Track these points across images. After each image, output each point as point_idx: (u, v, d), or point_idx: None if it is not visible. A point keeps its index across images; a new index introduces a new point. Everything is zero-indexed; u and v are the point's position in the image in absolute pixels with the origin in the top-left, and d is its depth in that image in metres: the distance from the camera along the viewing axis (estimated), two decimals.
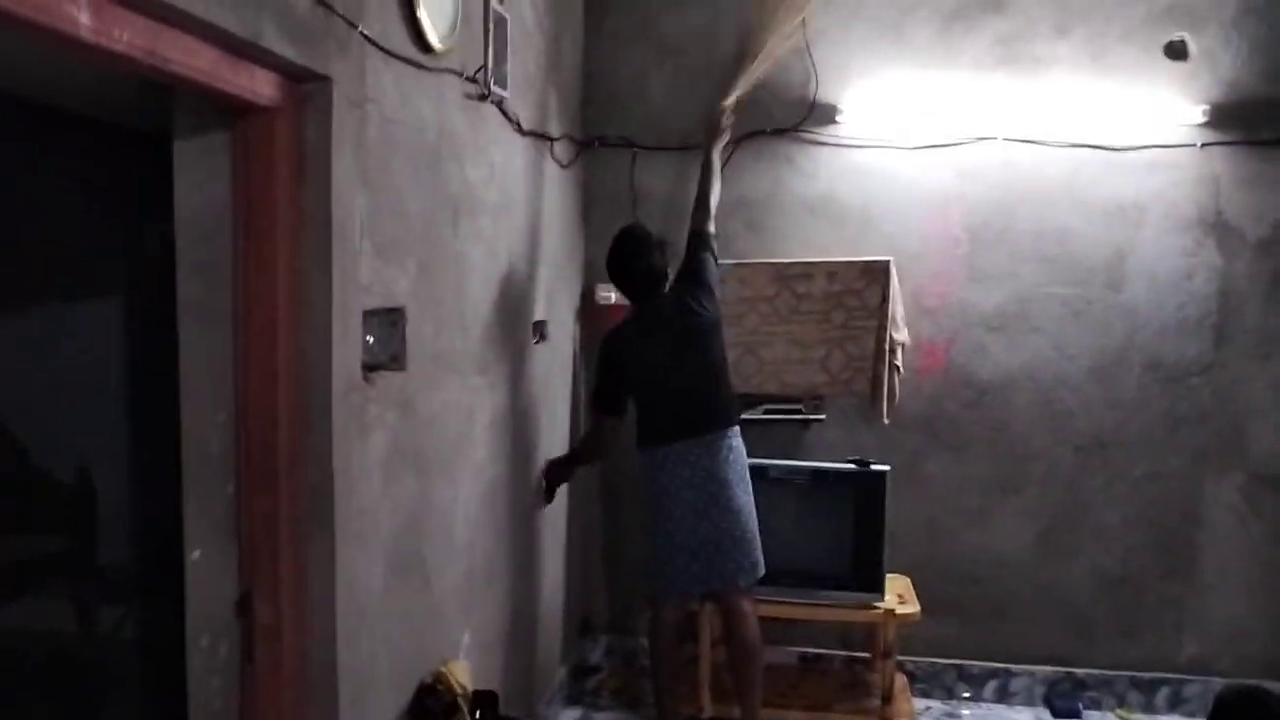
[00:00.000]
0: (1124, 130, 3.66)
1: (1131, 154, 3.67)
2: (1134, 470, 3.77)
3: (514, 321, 3.06)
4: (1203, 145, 3.63)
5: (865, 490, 3.52)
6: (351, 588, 1.92)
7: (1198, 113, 3.59)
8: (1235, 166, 3.63)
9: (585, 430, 3.31)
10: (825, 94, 3.81)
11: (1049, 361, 3.80)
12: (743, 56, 3.73)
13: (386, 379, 2.08)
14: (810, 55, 3.79)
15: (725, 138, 3.65)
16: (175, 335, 1.83)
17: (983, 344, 3.83)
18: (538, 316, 3.34)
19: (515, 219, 3.05)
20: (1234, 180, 3.64)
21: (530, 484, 3.28)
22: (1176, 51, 3.63)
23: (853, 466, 3.56)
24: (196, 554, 1.80)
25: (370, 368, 2.01)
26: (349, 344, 1.90)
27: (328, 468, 1.84)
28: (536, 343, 3.33)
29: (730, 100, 3.63)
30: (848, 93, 3.80)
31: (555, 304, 3.58)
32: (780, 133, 3.85)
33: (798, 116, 3.83)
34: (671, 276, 3.29)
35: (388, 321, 2.09)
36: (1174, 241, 3.70)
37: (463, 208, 2.54)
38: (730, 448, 3.19)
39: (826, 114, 3.80)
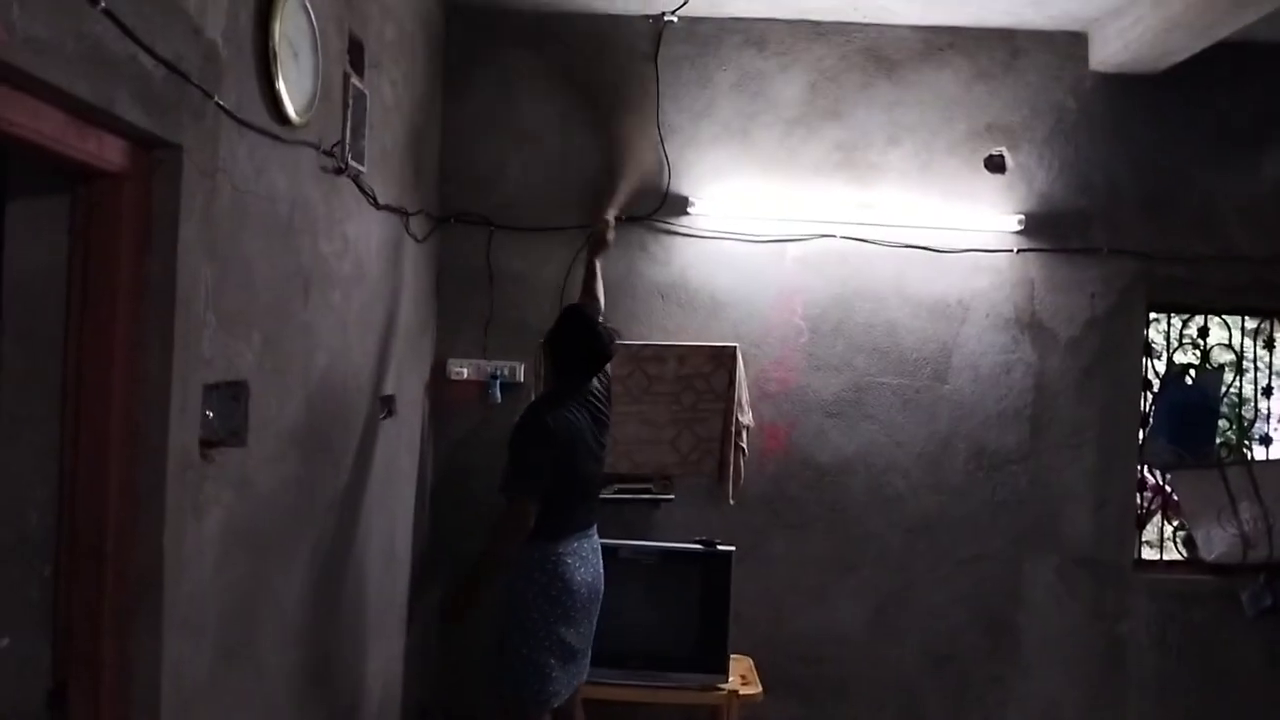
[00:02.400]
0: (949, 234, 3.96)
1: (956, 256, 3.97)
2: (960, 552, 3.99)
3: (361, 396, 2.99)
4: (1019, 251, 3.96)
5: (711, 570, 3.58)
6: (177, 679, 1.80)
7: (1014, 221, 3.92)
8: (1048, 271, 3.98)
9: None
10: (678, 185, 3.96)
11: (881, 447, 4.00)
12: (614, 172, 3.85)
13: (225, 455, 2.00)
14: (664, 149, 3.94)
15: (608, 249, 3.69)
16: None
17: (822, 429, 4.00)
18: (386, 391, 3.28)
19: (368, 292, 3.01)
20: (1047, 284, 3.98)
21: (369, 566, 3.17)
22: (995, 165, 3.98)
23: (699, 547, 3.62)
24: (5, 641, 1.65)
25: (209, 444, 1.93)
26: (187, 419, 1.82)
27: (158, 549, 1.73)
28: (384, 418, 3.26)
29: (612, 214, 3.75)
30: (698, 185, 3.97)
31: (405, 378, 3.53)
32: (635, 220, 3.96)
33: (652, 206, 3.96)
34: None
35: (229, 395, 2.02)
36: (995, 338, 3.99)
37: (314, 280, 2.49)
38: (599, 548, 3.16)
39: (679, 205, 3.95)
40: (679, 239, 3.98)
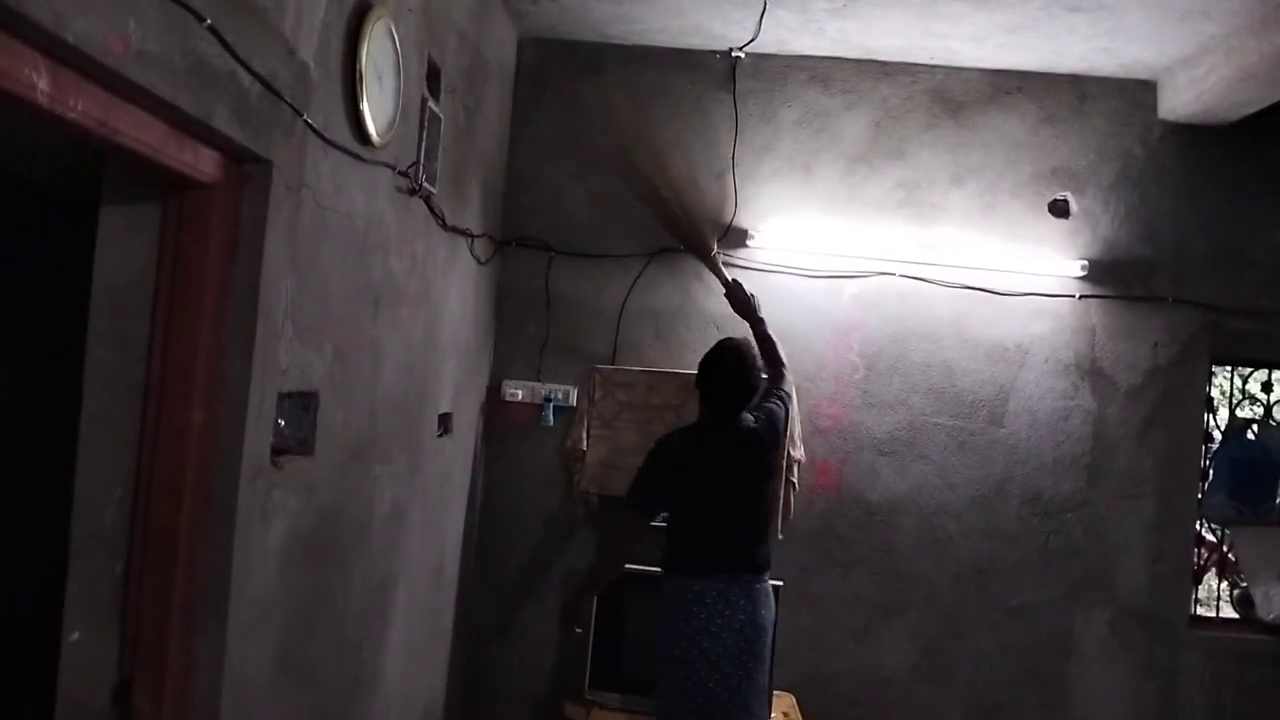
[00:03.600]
0: (1010, 277, 3.92)
1: (1016, 299, 3.93)
2: (1010, 600, 3.91)
3: (420, 412, 3.04)
4: (1081, 297, 3.92)
5: None
6: (238, 683, 1.84)
7: (1077, 267, 3.88)
8: (1110, 319, 3.92)
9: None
10: (738, 218, 3.98)
11: (934, 489, 3.96)
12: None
13: (293, 464, 2.04)
14: (734, 180, 3.97)
15: (757, 303, 3.61)
16: (66, 403, 1.77)
17: (874, 467, 3.97)
18: (444, 409, 3.32)
19: (432, 310, 3.06)
20: (1109, 331, 3.93)
21: (419, 584, 3.20)
22: (1060, 210, 3.94)
23: None
24: (75, 636, 1.70)
25: (279, 451, 1.97)
26: (261, 426, 1.87)
27: (227, 553, 1.78)
28: (440, 435, 3.30)
29: (729, 278, 3.69)
30: (759, 219, 3.98)
31: (462, 397, 3.57)
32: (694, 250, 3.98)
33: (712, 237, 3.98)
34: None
35: (300, 405, 2.07)
36: (1053, 384, 3.94)
37: (383, 296, 2.55)
38: (767, 593, 3.10)
39: (738, 237, 3.97)
40: (736, 271, 3.99)
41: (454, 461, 3.54)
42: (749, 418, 3.17)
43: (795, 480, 3.85)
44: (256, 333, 1.80)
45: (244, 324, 1.78)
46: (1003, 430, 3.95)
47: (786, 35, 3.76)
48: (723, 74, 4.01)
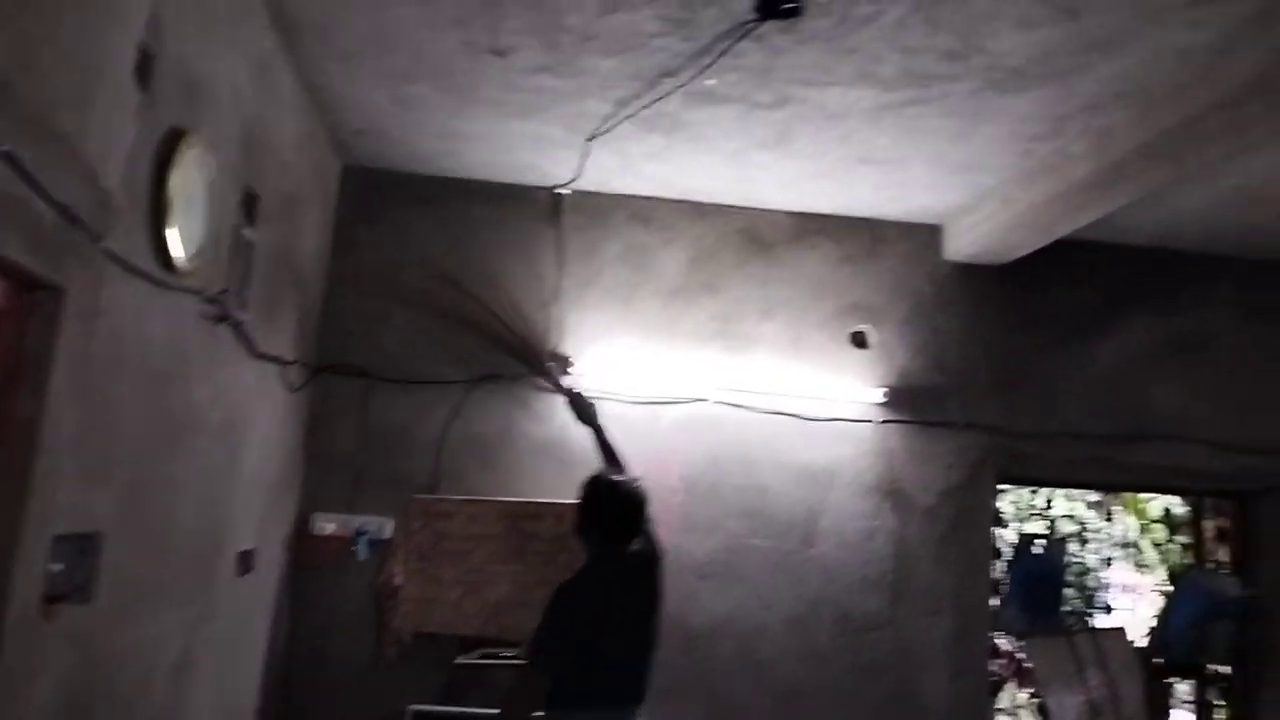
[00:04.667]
0: (817, 403, 4.14)
1: (823, 424, 4.14)
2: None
3: (219, 550, 2.85)
4: (881, 422, 4.17)
5: None
6: None
7: (877, 394, 4.14)
8: (908, 442, 4.18)
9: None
10: (563, 346, 4.04)
11: (751, 611, 4.02)
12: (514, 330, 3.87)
13: (69, 612, 1.86)
14: (558, 310, 4.04)
15: (596, 410, 3.58)
16: None
17: (694, 591, 4.00)
18: (246, 545, 3.13)
19: (236, 442, 2.91)
20: (907, 454, 4.18)
21: None
22: (860, 341, 4.22)
23: None
24: None
25: (52, 599, 1.80)
26: (31, 572, 1.70)
27: None
28: (241, 574, 3.10)
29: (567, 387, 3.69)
30: (581, 347, 4.05)
31: (267, 532, 3.38)
32: (516, 378, 4.00)
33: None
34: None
35: (79, 548, 1.90)
36: (858, 505, 4.13)
37: (183, 428, 2.41)
38: None
39: (562, 364, 4.01)
40: (559, 398, 4.02)
41: (255, 602, 3.32)
42: (635, 550, 3.09)
43: None
44: (34, 470, 1.66)
45: (20, 461, 1.64)
46: (814, 550, 4.08)
47: (608, 175, 3.93)
48: (549, 209, 4.12)
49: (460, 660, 3.29)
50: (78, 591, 1.89)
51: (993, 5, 2.48)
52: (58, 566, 1.81)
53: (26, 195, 1.51)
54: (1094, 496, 4.69)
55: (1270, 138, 2.92)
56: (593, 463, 3.96)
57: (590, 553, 3.07)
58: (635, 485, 3.12)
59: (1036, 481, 4.49)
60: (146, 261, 2.05)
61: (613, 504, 3.05)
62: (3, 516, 1.63)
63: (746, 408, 4.11)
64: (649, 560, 3.14)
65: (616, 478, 3.16)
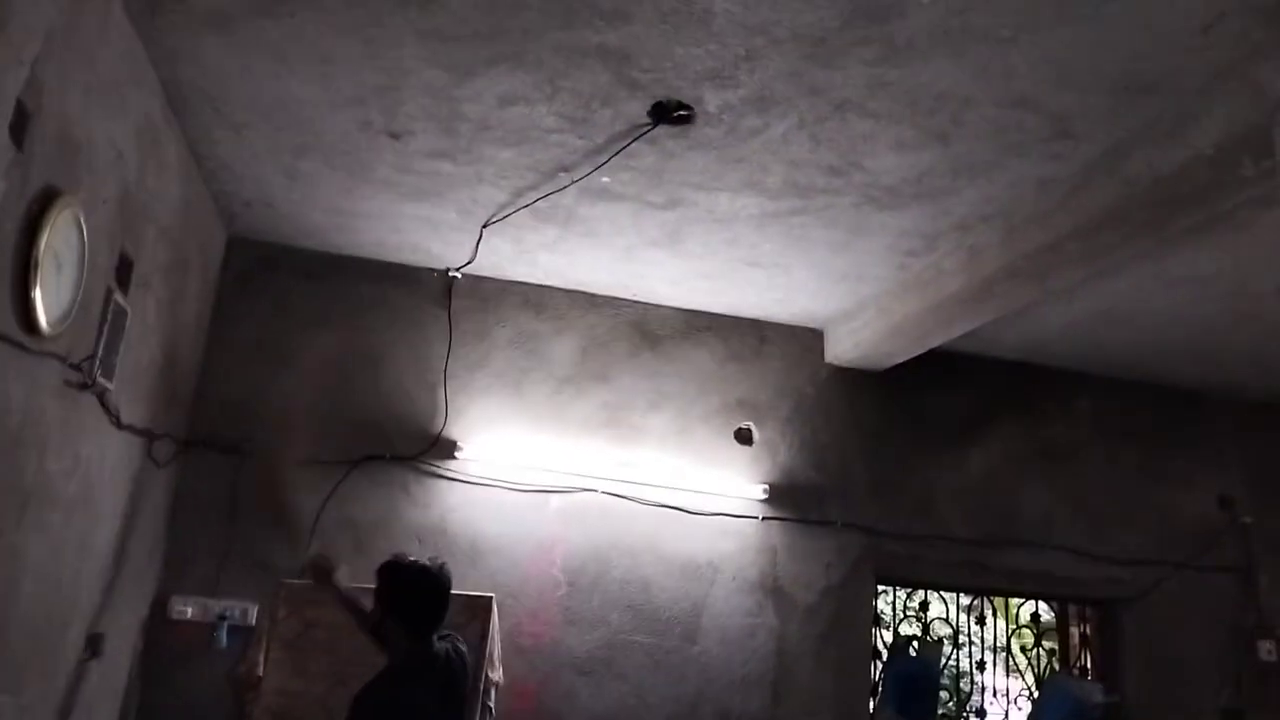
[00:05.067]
0: (702, 498, 4.17)
1: (706, 519, 4.17)
2: None
3: (65, 632, 2.67)
4: (764, 518, 4.22)
5: None
6: None
7: (759, 490, 4.20)
8: (790, 539, 4.24)
9: None
10: (449, 430, 3.99)
11: (631, 710, 3.95)
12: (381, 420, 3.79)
13: None
14: (445, 391, 4.00)
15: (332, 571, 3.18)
16: None
17: (573, 687, 3.91)
18: (96, 628, 2.94)
19: (92, 516, 2.76)
20: (788, 551, 4.23)
21: None
22: (744, 437, 4.30)
23: None
24: None
25: None
26: None
27: None
28: (88, 659, 2.90)
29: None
30: (468, 432, 4.01)
31: (119, 614, 3.18)
32: (400, 460, 3.92)
33: (420, 447, 3.95)
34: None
35: None
36: (741, 601, 4.14)
37: (33, 500, 2.28)
38: None
39: (447, 448, 3.96)
40: (443, 483, 3.96)
41: (102, 689, 3.11)
42: (440, 644, 2.83)
43: (492, 705, 3.71)
44: None
45: None
46: (696, 648, 4.06)
47: (502, 261, 3.96)
48: (439, 290, 4.12)
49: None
50: None
51: (871, 127, 2.64)
52: None
53: None
54: (966, 600, 4.79)
55: (1124, 264, 3.15)
56: (475, 554, 3.90)
57: (394, 650, 2.77)
58: (442, 566, 2.85)
59: (912, 583, 4.59)
60: (7, 323, 1.97)
61: (419, 589, 2.75)
62: None
63: (632, 499, 4.11)
64: (463, 661, 2.87)
65: (420, 559, 2.86)
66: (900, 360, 4.27)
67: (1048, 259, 3.05)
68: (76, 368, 2.37)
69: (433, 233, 3.72)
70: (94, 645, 2.94)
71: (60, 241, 2.11)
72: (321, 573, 3.14)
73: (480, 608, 3.76)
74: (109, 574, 2.99)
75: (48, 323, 2.09)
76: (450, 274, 4.10)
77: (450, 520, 3.94)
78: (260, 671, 3.52)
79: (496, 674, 3.74)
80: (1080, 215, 2.81)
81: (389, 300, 4.08)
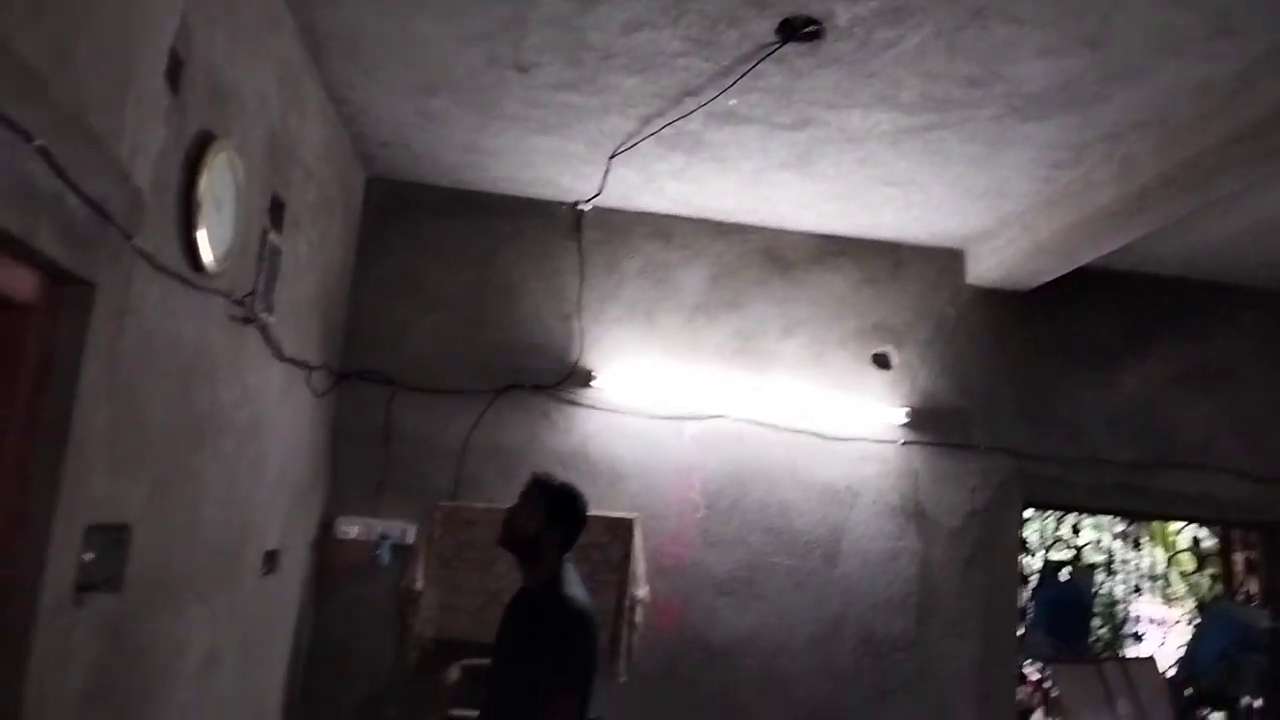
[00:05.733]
0: (839, 422, 4.14)
1: (845, 443, 4.14)
2: None
3: (244, 549, 2.91)
4: (904, 443, 4.16)
5: None
6: None
7: (899, 414, 4.14)
8: (931, 464, 4.17)
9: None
10: (584, 359, 4.09)
11: (773, 629, 4.01)
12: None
13: (99, 601, 1.92)
14: (579, 322, 4.09)
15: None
16: None
17: (715, 607, 4.00)
18: (271, 546, 3.19)
19: (262, 443, 2.98)
20: (930, 475, 4.16)
21: None
22: (882, 362, 4.23)
23: None
24: None
25: (84, 588, 1.85)
26: (65, 561, 1.76)
27: (17, 699, 1.63)
28: (265, 574, 3.16)
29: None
30: (604, 361, 4.10)
31: (291, 535, 3.44)
32: (539, 389, 4.05)
33: (557, 376, 4.06)
34: None
35: (111, 539, 1.96)
36: (882, 525, 4.12)
37: (209, 427, 2.48)
38: None
39: (583, 377, 4.06)
40: (581, 410, 4.07)
41: (279, 603, 3.38)
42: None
43: (638, 621, 3.84)
44: (66, 461, 1.72)
45: (52, 452, 1.70)
46: (837, 570, 4.07)
47: (630, 192, 3.98)
48: (569, 223, 4.19)
49: (467, 662, 3.23)
50: (108, 582, 1.95)
51: (1013, 34, 2.51)
52: (89, 556, 1.87)
53: (59, 190, 1.58)
54: (1120, 526, 4.63)
55: None
56: (615, 478, 4.01)
57: (545, 564, 2.68)
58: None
59: (1062, 506, 4.45)
60: (176, 261, 2.12)
61: (578, 508, 2.74)
62: (37, 505, 1.69)
63: (768, 425, 4.12)
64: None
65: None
66: (1047, 279, 4.09)
67: (1207, 166, 2.86)
68: (239, 303, 2.54)
69: (562, 165, 3.77)
70: (270, 562, 3.19)
71: (218, 183, 2.25)
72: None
73: (623, 528, 3.88)
74: (280, 497, 3.23)
75: (212, 260, 2.24)
76: (579, 206, 4.15)
77: (590, 445, 4.05)
78: (419, 587, 3.75)
79: (641, 592, 3.86)
80: (1242, 118, 2.62)
81: (522, 234, 4.17)
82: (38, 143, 1.48)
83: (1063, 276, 4.03)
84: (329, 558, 3.85)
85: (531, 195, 4.15)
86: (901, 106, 3.00)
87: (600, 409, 4.08)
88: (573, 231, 4.18)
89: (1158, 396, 4.33)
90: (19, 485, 1.67)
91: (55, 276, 1.70)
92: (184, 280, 2.16)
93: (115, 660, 2.03)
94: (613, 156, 3.57)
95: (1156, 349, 4.37)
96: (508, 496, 3.89)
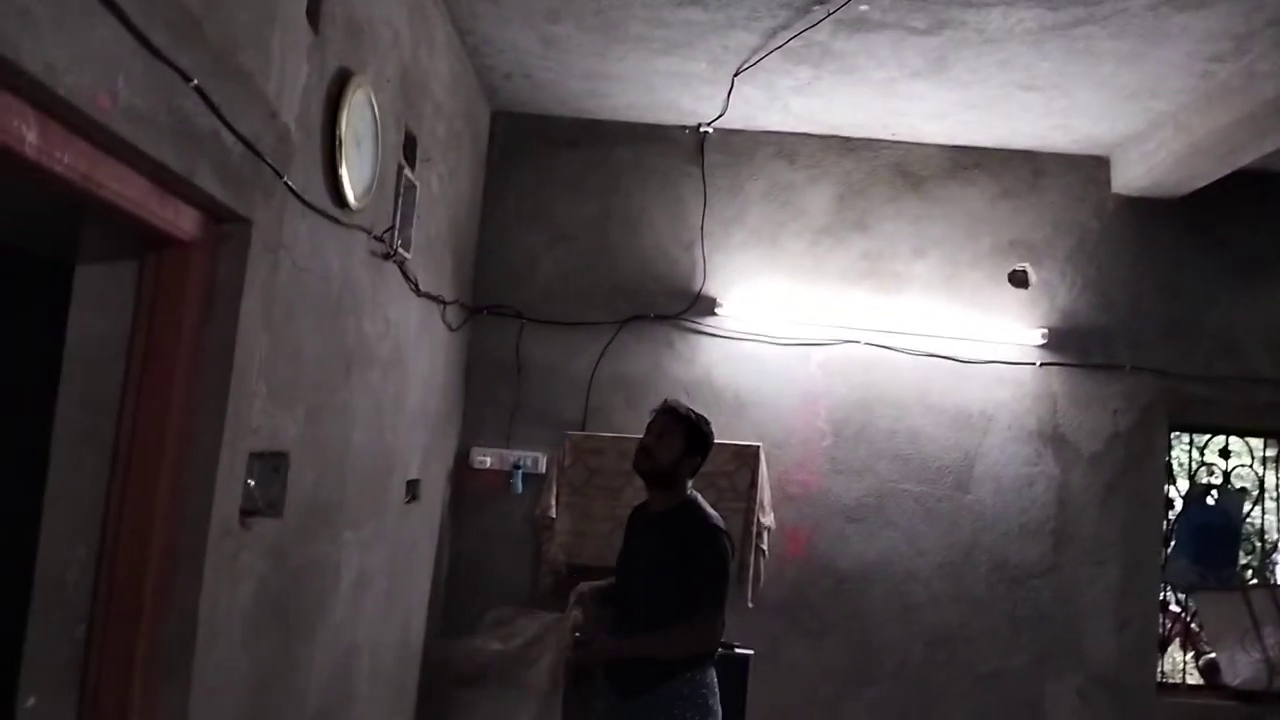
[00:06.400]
0: (972, 345, 4.00)
1: (979, 367, 4.01)
2: (980, 667, 3.90)
3: (389, 478, 3.01)
4: (1041, 365, 4.00)
5: (728, 674, 3.48)
6: None
7: (1037, 335, 3.97)
8: (1071, 386, 4.00)
9: (701, 630, 2.66)
10: (708, 287, 4.04)
11: (902, 556, 3.96)
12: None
13: (262, 525, 2.01)
14: (702, 249, 4.04)
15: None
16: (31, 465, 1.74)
17: (843, 533, 3.97)
18: (412, 475, 3.29)
19: (402, 376, 3.06)
20: (1069, 398, 4.00)
21: (383, 654, 3.13)
22: (1019, 280, 4.05)
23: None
24: (31, 701, 1.64)
25: (248, 513, 1.95)
26: (231, 486, 1.84)
27: (192, 616, 1.74)
28: (408, 502, 3.27)
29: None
30: (727, 288, 4.05)
31: (430, 464, 3.54)
32: (663, 319, 4.03)
33: (681, 305, 4.03)
34: None
35: (271, 467, 2.04)
36: (1017, 450, 3.99)
37: (355, 359, 2.55)
38: None
39: (707, 305, 4.03)
40: (705, 338, 4.04)
41: (421, 529, 3.50)
42: None
43: (765, 548, 3.85)
44: (229, 392, 1.79)
45: (217, 383, 1.78)
46: (969, 496, 3.98)
47: (753, 111, 3.88)
48: (691, 148, 4.11)
49: (587, 586, 3.24)
50: (270, 507, 2.04)
51: None
52: (252, 482, 1.95)
53: (215, 128, 1.61)
54: (1272, 450, 4.36)
55: None
56: (739, 406, 3.98)
57: (679, 488, 2.79)
58: None
59: (1211, 428, 4.22)
60: (322, 198, 2.16)
61: (710, 442, 2.83)
62: (206, 435, 1.77)
63: (897, 350, 4.02)
64: None
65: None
66: (1201, 185, 3.83)
67: None
68: (380, 239, 2.58)
69: (684, 88, 3.69)
70: (412, 490, 3.30)
71: (357, 120, 2.27)
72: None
73: (749, 456, 3.87)
74: (419, 428, 3.32)
75: (354, 197, 2.28)
76: (702, 130, 4.06)
77: (714, 374, 4.03)
78: (553, 514, 3.84)
79: (768, 519, 3.86)
80: None
81: (644, 162, 4.12)
82: (194, 83, 1.51)
83: (1218, 181, 3.76)
84: (466, 486, 3.96)
85: (653, 121, 4.08)
86: (1046, 2, 2.81)
87: (724, 337, 4.04)
88: (695, 156, 4.10)
89: None
90: (187, 415, 1.74)
91: (215, 214, 1.75)
92: (329, 217, 2.20)
93: (279, 580, 2.14)
94: (737, 74, 3.47)
95: None
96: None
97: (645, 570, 2.78)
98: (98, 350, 1.74)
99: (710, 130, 4.06)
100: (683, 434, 2.78)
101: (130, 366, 1.73)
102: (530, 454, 3.95)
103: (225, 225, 1.79)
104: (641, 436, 2.86)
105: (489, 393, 4.01)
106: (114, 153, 1.41)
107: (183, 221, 1.67)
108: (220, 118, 1.62)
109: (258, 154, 1.78)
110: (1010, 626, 3.92)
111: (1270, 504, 4.41)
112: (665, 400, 2.94)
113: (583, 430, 3.95)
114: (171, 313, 1.73)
